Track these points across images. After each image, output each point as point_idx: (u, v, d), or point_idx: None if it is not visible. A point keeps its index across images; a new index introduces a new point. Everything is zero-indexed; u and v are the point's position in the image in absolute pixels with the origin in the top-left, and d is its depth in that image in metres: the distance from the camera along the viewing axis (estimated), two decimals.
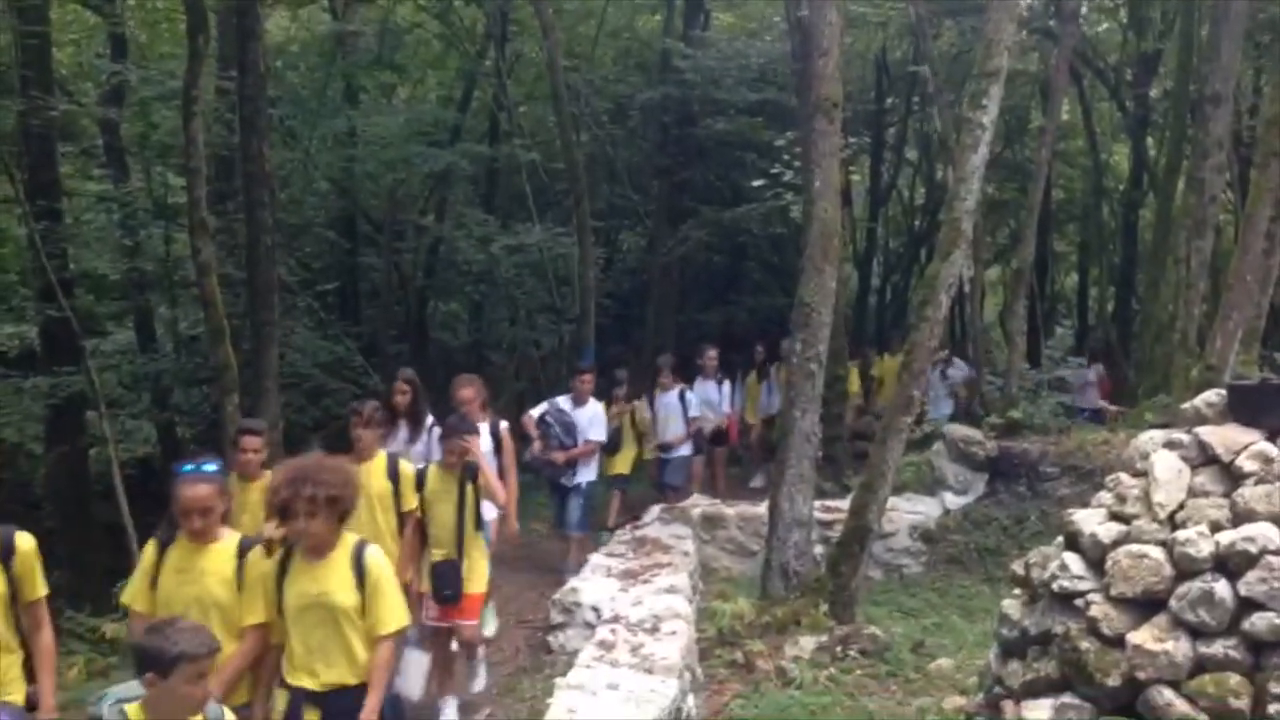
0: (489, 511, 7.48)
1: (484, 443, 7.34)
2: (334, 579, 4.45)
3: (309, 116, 16.70)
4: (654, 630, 6.63)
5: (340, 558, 4.49)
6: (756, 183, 13.67)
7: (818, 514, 9.08)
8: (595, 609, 7.55)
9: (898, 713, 6.65)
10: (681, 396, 11.61)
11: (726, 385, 12.92)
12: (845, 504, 8.95)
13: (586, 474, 10.06)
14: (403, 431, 7.96)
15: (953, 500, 10.64)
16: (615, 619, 6.93)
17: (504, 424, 8.02)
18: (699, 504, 10.83)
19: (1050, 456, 10.47)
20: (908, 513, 10.37)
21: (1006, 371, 12.62)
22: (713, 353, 12.92)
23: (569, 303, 16.74)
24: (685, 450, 11.73)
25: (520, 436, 9.62)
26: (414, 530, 6.70)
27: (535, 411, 10.11)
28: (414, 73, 20.54)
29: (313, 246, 18.34)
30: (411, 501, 6.70)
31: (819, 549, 9.08)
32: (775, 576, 8.36)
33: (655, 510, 10.58)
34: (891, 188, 23.77)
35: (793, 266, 13.23)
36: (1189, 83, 14.05)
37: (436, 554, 6.65)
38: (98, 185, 15.86)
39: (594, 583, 8.03)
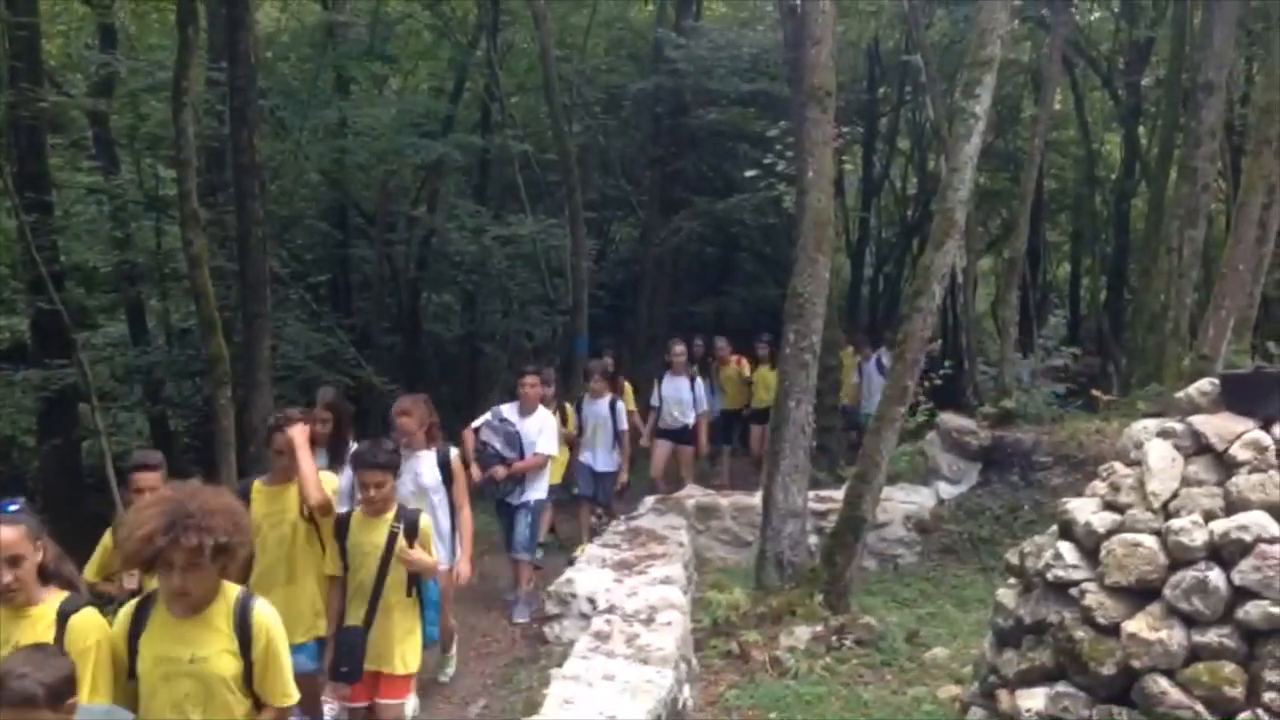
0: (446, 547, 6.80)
1: (430, 475, 6.81)
2: (210, 641, 3.58)
3: (300, 107, 16.64)
4: (649, 621, 6.64)
5: (219, 614, 3.60)
6: (749, 173, 13.66)
7: (812, 504, 9.08)
8: (590, 600, 7.55)
9: (893, 702, 6.66)
10: (613, 406, 10.44)
11: (699, 382, 12.09)
12: (839, 494, 8.95)
13: (536, 490, 8.88)
14: (320, 458, 6.50)
15: (947, 490, 10.65)
16: (610, 610, 6.94)
17: (454, 452, 7.05)
18: (693, 494, 10.83)
19: (1044, 446, 10.48)
20: (902, 502, 10.39)
21: (999, 361, 12.62)
22: (680, 348, 12.15)
23: (562, 294, 16.73)
24: (614, 464, 10.52)
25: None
26: (334, 592, 5.57)
27: (478, 422, 8.92)
28: (405, 63, 20.48)
29: (304, 238, 18.29)
30: (332, 566, 5.55)
31: (813, 539, 9.09)
32: (770, 567, 8.36)
33: (649, 501, 10.58)
34: (884, 177, 23.80)
35: (785, 257, 13.24)
36: (1181, 71, 14.06)
37: (350, 618, 5.46)
38: (88, 177, 15.78)
39: (589, 573, 8.04)
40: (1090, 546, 5.06)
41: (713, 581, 8.72)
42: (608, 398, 10.46)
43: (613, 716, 5.15)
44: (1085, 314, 23.58)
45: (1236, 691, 4.52)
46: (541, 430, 8.76)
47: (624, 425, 10.44)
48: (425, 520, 5.60)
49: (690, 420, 11.85)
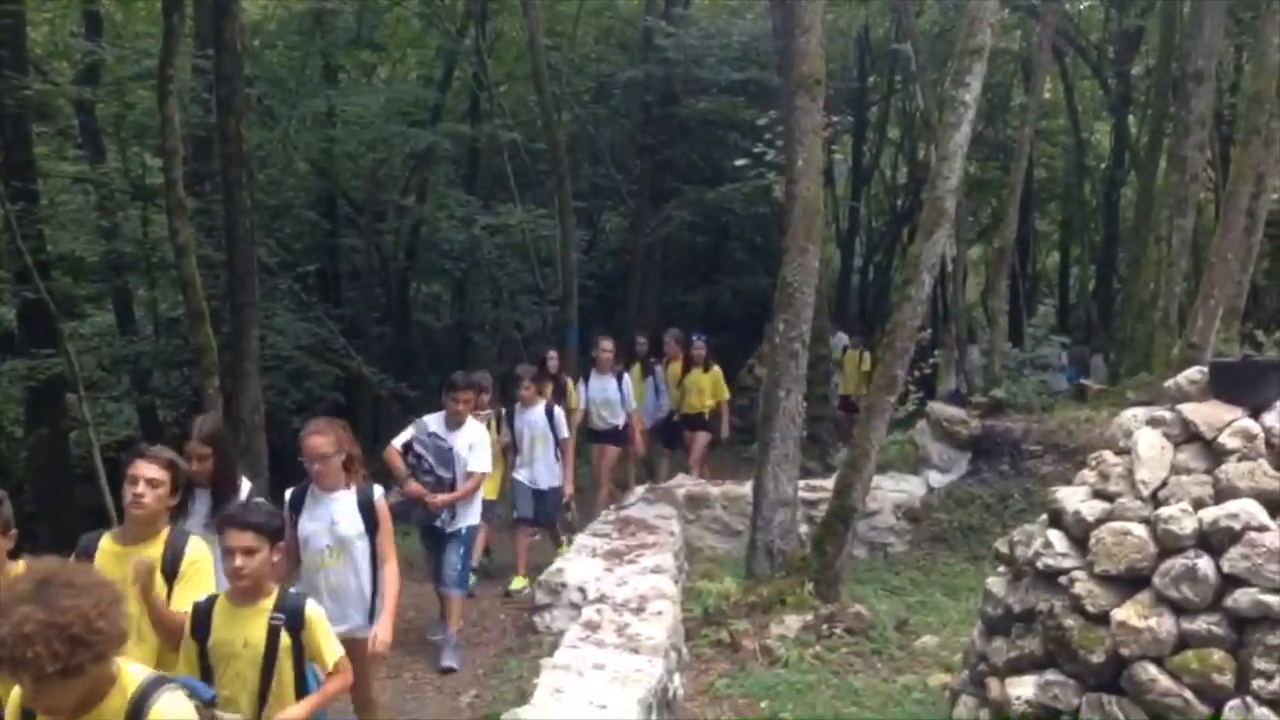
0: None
1: (350, 522, 5.40)
2: None
3: (287, 96, 16.57)
4: (639, 610, 6.63)
5: (109, 714, 2.77)
6: (739, 162, 13.64)
7: (802, 493, 9.09)
8: (581, 589, 7.55)
9: (883, 690, 6.67)
10: (550, 413, 9.42)
11: (627, 380, 11.29)
12: (829, 483, 8.96)
13: (468, 516, 7.72)
14: (201, 503, 5.20)
15: (937, 479, 10.66)
16: (601, 599, 6.92)
17: (379, 492, 5.53)
18: (684, 484, 10.83)
19: (1033, 435, 10.50)
20: (892, 491, 10.39)
21: (989, 350, 12.65)
22: (607, 344, 11.31)
23: (552, 284, 16.71)
24: (557, 478, 9.49)
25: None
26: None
27: (401, 439, 7.69)
28: (394, 52, 20.40)
29: (293, 228, 18.22)
30: (187, 673, 3.93)
31: (804, 528, 9.09)
32: (760, 556, 8.36)
33: (639, 491, 10.57)
34: (874, 167, 23.81)
35: (775, 246, 13.23)
36: (1171, 60, 14.07)
37: None
38: (74, 166, 15.70)
39: (579, 563, 8.03)
40: (1080, 535, 5.07)
41: (703, 571, 8.71)
42: (542, 405, 9.45)
43: (603, 706, 5.14)
44: (1075, 303, 23.66)
45: (1225, 679, 4.53)
46: (473, 445, 7.65)
47: (564, 433, 9.46)
48: (314, 611, 4.12)
49: (620, 421, 11.16)
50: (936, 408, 11.11)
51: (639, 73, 17.88)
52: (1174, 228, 11.84)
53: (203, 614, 4.07)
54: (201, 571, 4.36)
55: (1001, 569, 5.75)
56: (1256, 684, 4.47)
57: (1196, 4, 12.20)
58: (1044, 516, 5.48)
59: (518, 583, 9.12)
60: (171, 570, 4.31)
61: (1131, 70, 18.99)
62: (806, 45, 8.55)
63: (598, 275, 19.19)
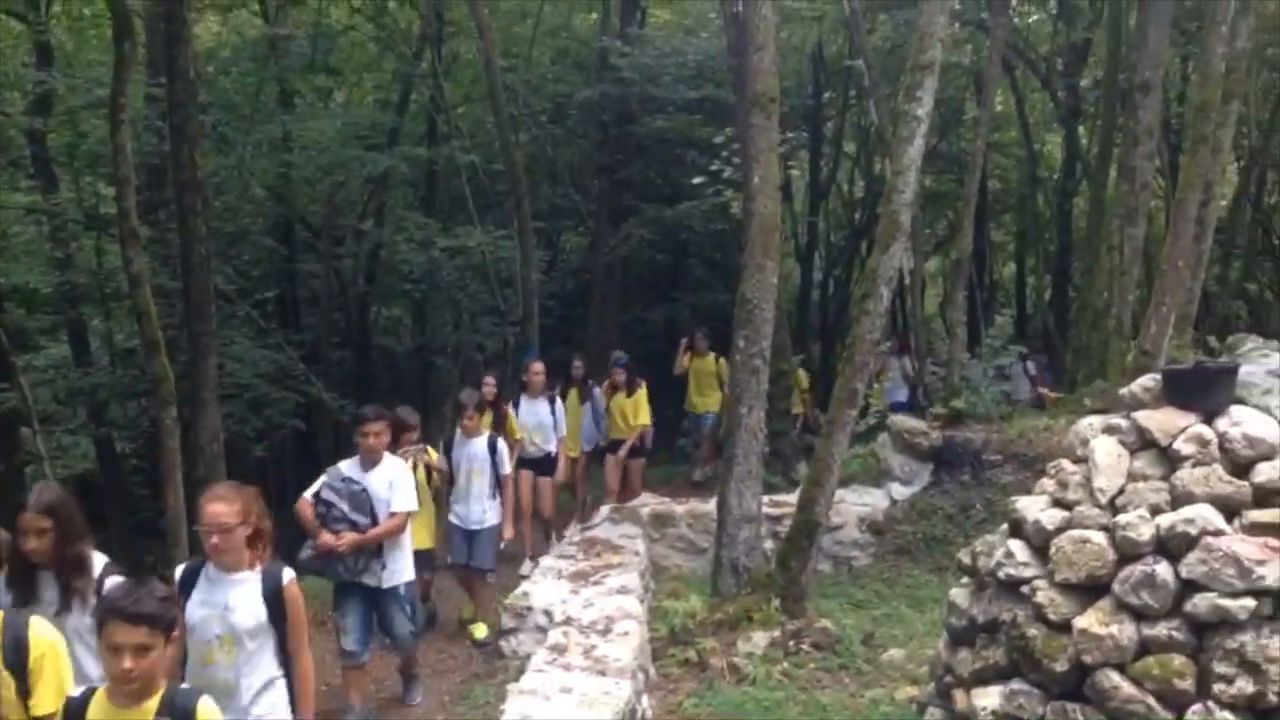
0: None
1: (250, 612, 4.47)
2: None
3: (242, 122, 16.47)
4: (606, 632, 6.62)
5: None
6: (696, 179, 13.69)
7: (766, 509, 9.12)
8: (547, 612, 7.53)
9: (851, 705, 6.69)
10: (492, 446, 8.58)
11: (559, 405, 10.72)
12: (793, 498, 8.99)
13: (399, 569, 6.86)
14: (48, 587, 4.45)
15: (899, 491, 10.72)
16: (567, 621, 6.91)
17: (288, 576, 4.57)
18: (648, 502, 10.82)
19: (993, 445, 10.59)
20: (855, 505, 10.44)
21: (948, 361, 12.74)
22: (538, 366, 10.74)
23: (512, 304, 16.66)
24: (494, 518, 8.58)
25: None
26: None
27: (312, 488, 6.83)
28: (349, 76, 20.36)
29: (250, 254, 18.08)
30: None
31: (768, 544, 9.11)
32: (726, 573, 8.37)
33: (604, 510, 10.55)
34: (831, 181, 23.95)
35: (735, 262, 13.25)
36: (1118, 71, 14.29)
37: None
38: (26, 197, 15.51)
39: (545, 585, 8.00)
40: (1040, 544, 5.11)
41: (669, 590, 8.71)
42: (485, 436, 8.60)
43: None
44: (1031, 312, 23.87)
45: (1187, 684, 4.57)
46: (394, 484, 6.77)
47: (506, 469, 8.62)
48: (207, 708, 3.53)
49: (552, 448, 10.50)
50: (897, 420, 11.18)
51: (595, 92, 17.92)
52: (1125, 236, 12.01)
53: (76, 714, 3.45)
54: (56, 663, 3.80)
55: (965, 580, 5.78)
56: (1217, 688, 4.51)
57: (1142, 16, 12.41)
58: (1005, 526, 5.52)
59: (480, 631, 8.42)
60: (15, 662, 3.72)
61: (1080, 82, 19.25)
62: (760, 63, 8.62)
63: (558, 295, 19.17)
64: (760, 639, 7.47)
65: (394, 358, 21.01)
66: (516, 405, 10.34)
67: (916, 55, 8.35)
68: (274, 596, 4.52)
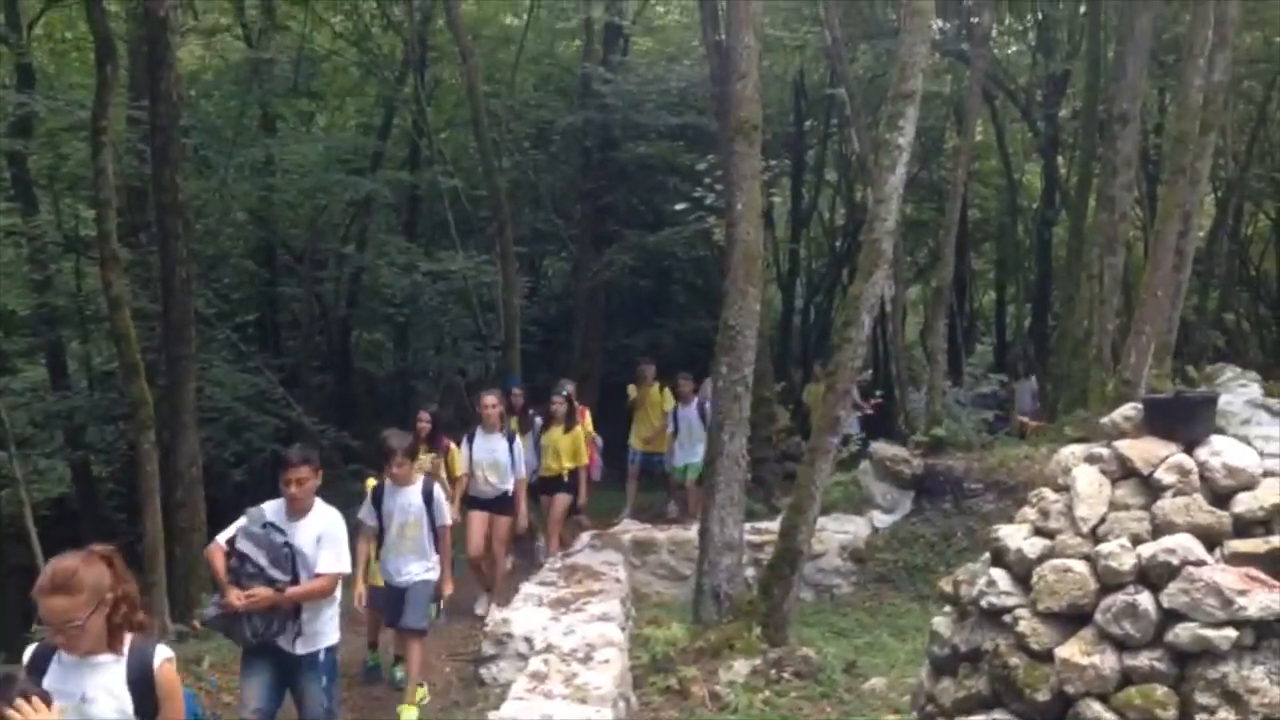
0: None
1: (113, 700, 3.56)
2: None
3: (224, 145, 16.47)
4: (587, 659, 6.58)
5: None
6: (679, 206, 13.73)
7: (748, 536, 9.09)
8: (527, 639, 7.47)
9: None
10: (428, 495, 7.37)
11: (518, 442, 9.78)
12: (775, 526, 8.96)
13: (323, 632, 5.74)
14: None
15: (881, 519, 10.72)
16: (548, 649, 6.86)
17: (161, 656, 3.63)
18: (629, 529, 10.78)
19: (974, 473, 10.61)
20: (837, 533, 10.42)
21: (929, 389, 12.77)
22: (492, 399, 9.74)
23: (494, 329, 16.66)
24: (429, 572, 7.39)
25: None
26: None
27: (227, 532, 5.77)
28: (332, 100, 20.39)
29: (231, 277, 18.05)
30: None
31: (750, 572, 9.09)
32: (707, 601, 8.34)
33: (585, 537, 10.50)
34: (812, 209, 24.05)
35: (717, 289, 13.28)
36: (1097, 103, 14.42)
37: None
38: (5, 219, 15.44)
39: (525, 612, 7.95)
40: (1022, 573, 5.11)
41: (650, 617, 8.66)
42: (419, 484, 7.42)
43: None
44: (1011, 341, 23.98)
45: (1169, 714, 4.56)
46: (323, 538, 5.67)
47: (445, 519, 7.44)
48: None
49: (509, 486, 9.55)
50: (879, 447, 11.18)
51: (578, 119, 17.98)
52: (1105, 265, 12.09)
53: None
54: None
55: (947, 608, 5.77)
56: (1199, 719, 4.51)
57: (1120, 49, 12.54)
58: (987, 555, 5.52)
59: (408, 713, 7.20)
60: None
61: (1059, 113, 19.43)
62: (743, 91, 8.66)
63: (540, 320, 19.16)
64: (742, 667, 7.43)
65: (375, 382, 20.94)
66: (471, 439, 9.58)
67: (898, 84, 8.41)
68: (142, 682, 3.61)
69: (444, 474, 9.03)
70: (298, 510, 5.73)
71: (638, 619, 8.66)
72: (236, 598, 5.47)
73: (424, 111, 17.95)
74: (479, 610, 9.24)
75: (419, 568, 7.35)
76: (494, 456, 9.52)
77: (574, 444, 10.68)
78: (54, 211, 15.91)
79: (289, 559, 5.61)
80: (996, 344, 24.83)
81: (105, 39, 10.30)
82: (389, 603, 7.51)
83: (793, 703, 7.11)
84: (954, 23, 16.45)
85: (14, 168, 15.35)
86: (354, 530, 6.63)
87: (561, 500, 10.66)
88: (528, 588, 8.78)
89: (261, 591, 5.48)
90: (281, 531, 5.65)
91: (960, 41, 16.13)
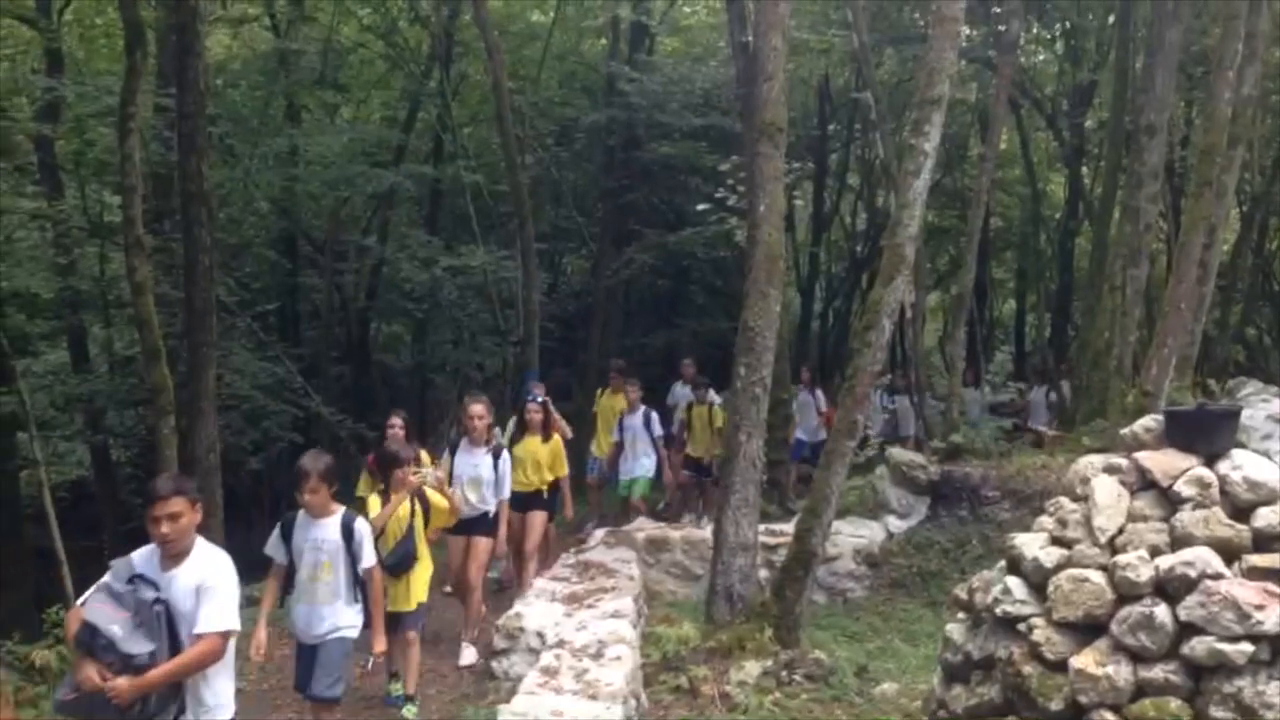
0: None
1: None
2: None
3: (250, 135, 16.54)
4: (598, 656, 6.58)
5: None
6: (701, 206, 13.72)
7: (762, 538, 9.07)
8: (539, 634, 7.48)
9: None
10: (348, 530, 6.02)
11: (505, 459, 8.61)
12: (789, 528, 8.96)
13: (217, 707, 4.65)
14: None
15: (895, 524, 10.70)
16: (559, 644, 6.88)
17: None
18: (643, 528, 10.78)
19: (991, 480, 10.58)
20: (851, 536, 10.41)
21: (948, 396, 12.74)
22: (479, 408, 8.63)
23: (513, 325, 16.68)
24: (348, 627, 6.07)
25: None
26: None
27: (89, 594, 4.59)
28: (357, 92, 20.44)
29: (252, 266, 18.13)
30: None
31: (763, 573, 9.08)
32: (720, 601, 8.33)
33: (599, 534, 10.51)
34: (834, 213, 24.02)
35: (736, 290, 13.27)
36: (1124, 113, 14.35)
37: None
38: (31, 203, 15.53)
39: (538, 607, 7.96)
40: (1038, 581, 5.09)
41: (662, 616, 8.66)
42: (338, 515, 6.06)
43: None
44: (1030, 350, 23.89)
45: None
46: (203, 590, 4.52)
47: (368, 559, 6.07)
48: None
49: (490, 506, 8.49)
50: (895, 453, 11.17)
51: (602, 117, 18.00)
52: (1128, 277, 12.04)
53: None
54: None
55: (960, 615, 5.76)
56: None
57: (1149, 59, 12.48)
58: (1002, 563, 5.50)
59: None
60: None
61: (1085, 123, 19.36)
62: (769, 93, 8.65)
63: (559, 317, 19.18)
64: (753, 668, 7.42)
65: (393, 374, 21.00)
66: (453, 452, 8.62)
67: (925, 90, 8.39)
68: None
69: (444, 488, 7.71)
70: (173, 556, 4.56)
71: (650, 617, 8.66)
72: (88, 679, 4.31)
73: (448, 106, 18.00)
74: (463, 661, 8.34)
75: (334, 621, 6.03)
76: (476, 472, 8.48)
77: (554, 454, 9.63)
78: (80, 196, 15.98)
79: (161, 620, 4.45)
80: (1015, 353, 24.74)
81: (135, 26, 10.36)
82: (298, 661, 6.23)
83: (803, 705, 7.10)
84: (982, 30, 16.38)
85: (41, 152, 15.44)
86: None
87: (540, 520, 9.50)
88: (541, 583, 8.79)
89: (120, 684, 4.29)
90: (153, 585, 4.50)
91: (988, 49, 16.06)
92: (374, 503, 7.31)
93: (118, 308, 15.26)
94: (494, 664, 7.73)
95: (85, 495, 15.77)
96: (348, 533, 6.04)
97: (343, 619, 6.06)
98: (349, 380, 19.14)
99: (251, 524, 15.60)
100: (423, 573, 7.34)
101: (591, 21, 19.29)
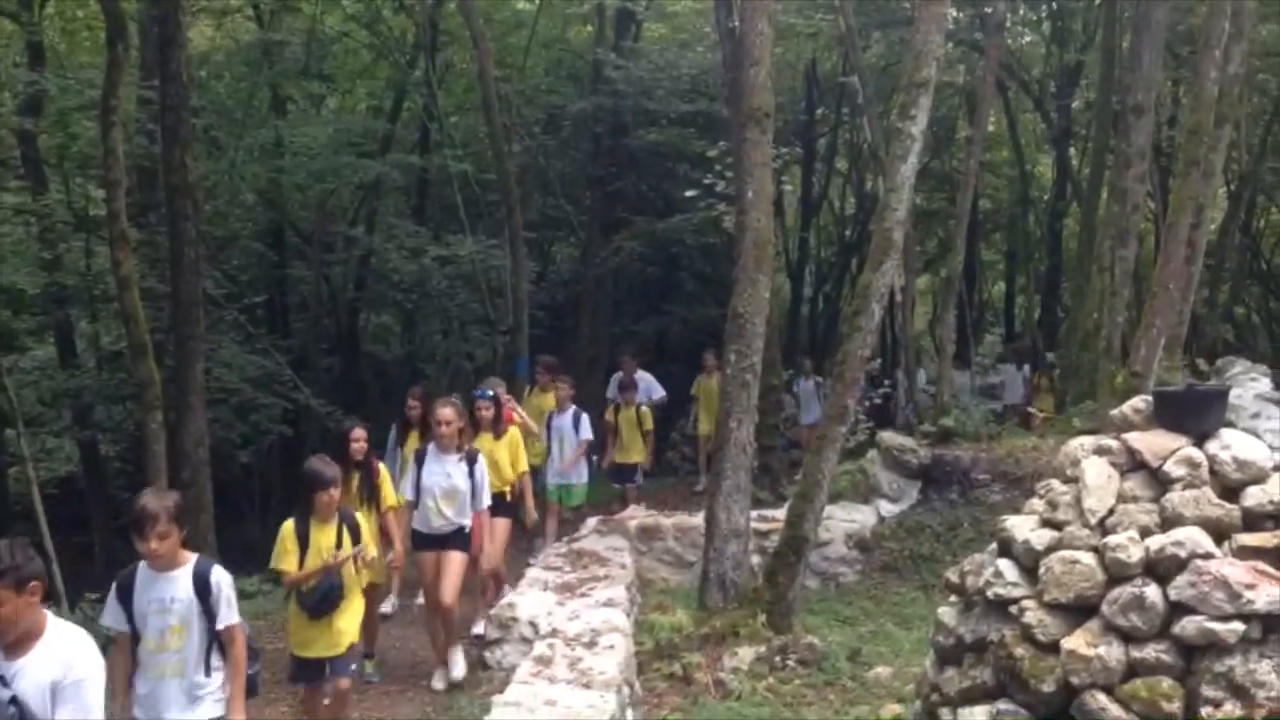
0: None
1: None
2: None
3: (235, 126, 16.46)
4: (592, 644, 6.58)
5: None
6: (689, 193, 13.70)
7: (754, 524, 9.08)
8: (532, 624, 7.48)
9: None
10: (203, 585, 4.79)
11: (482, 466, 7.64)
12: (781, 514, 8.96)
13: None
14: None
15: (887, 508, 10.70)
16: (553, 634, 6.87)
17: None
18: (635, 515, 10.78)
19: (982, 463, 10.59)
20: (843, 521, 10.41)
21: (938, 379, 12.76)
22: (448, 411, 7.56)
23: (502, 314, 16.66)
24: (206, 705, 4.83)
25: None
26: None
27: None
28: (343, 82, 20.35)
29: (240, 259, 18.05)
30: None
31: (756, 559, 9.08)
32: (713, 588, 8.34)
33: (592, 522, 10.51)
34: (823, 198, 24.01)
35: (726, 276, 13.24)
36: (1111, 94, 14.36)
37: None
38: (15, 197, 15.45)
39: (531, 597, 7.96)
40: (1029, 564, 5.09)
41: (655, 603, 8.66)
42: (188, 566, 4.82)
43: None
44: (1020, 332, 23.95)
45: (1174, 706, 4.55)
46: (58, 685, 3.76)
47: (228, 616, 4.83)
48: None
49: (466, 521, 7.56)
50: (886, 437, 11.17)
51: (589, 104, 17.95)
52: (1116, 258, 12.05)
53: None
54: None
55: (952, 598, 5.76)
56: (1205, 711, 4.49)
57: (1135, 40, 12.47)
58: (994, 545, 5.50)
59: None
60: None
61: (1072, 104, 19.38)
62: (756, 78, 8.62)
63: (548, 306, 19.15)
64: (746, 654, 7.43)
65: (382, 365, 20.96)
66: (420, 462, 7.64)
67: (912, 73, 8.37)
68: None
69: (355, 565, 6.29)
70: (17, 644, 3.80)
71: (643, 605, 8.66)
72: None
73: (434, 95, 17.92)
74: (437, 684, 7.61)
75: (187, 705, 4.81)
76: (450, 482, 7.50)
77: (512, 450, 8.65)
78: (64, 190, 15.90)
79: None
80: (1005, 334, 24.80)
81: (116, 18, 10.28)
82: None
83: (797, 690, 7.12)
84: (968, 12, 16.39)
85: (24, 146, 15.34)
86: None
87: (503, 527, 8.58)
88: (534, 572, 8.78)
89: None
90: (1, 681, 3.76)
91: (974, 31, 16.08)
92: (320, 538, 6.18)
93: (104, 302, 15.19)
94: (487, 654, 7.73)
95: (74, 491, 15.72)
96: (203, 586, 4.78)
97: (195, 698, 4.82)
98: (338, 372, 19.09)
99: (242, 518, 15.58)
100: (352, 610, 6.26)
101: (577, 8, 19.23)
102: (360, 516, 6.63)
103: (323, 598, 6.13)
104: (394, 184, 18.77)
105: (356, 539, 6.24)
